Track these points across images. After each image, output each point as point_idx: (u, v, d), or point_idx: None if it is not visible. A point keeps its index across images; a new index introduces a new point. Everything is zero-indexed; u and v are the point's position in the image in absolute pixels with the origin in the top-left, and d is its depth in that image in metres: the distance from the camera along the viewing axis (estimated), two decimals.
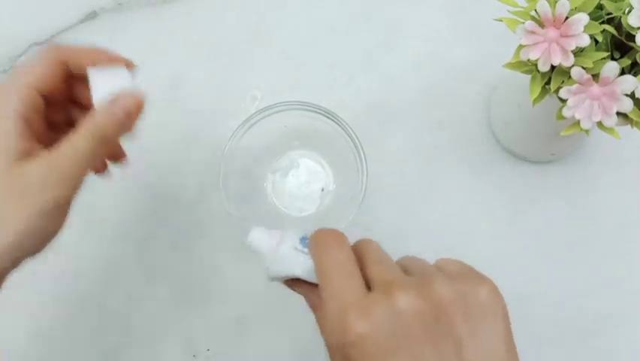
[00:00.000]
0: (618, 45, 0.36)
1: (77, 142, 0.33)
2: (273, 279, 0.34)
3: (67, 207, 0.34)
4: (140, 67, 0.55)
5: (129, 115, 0.34)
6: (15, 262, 0.33)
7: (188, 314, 0.50)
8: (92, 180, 0.53)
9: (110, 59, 0.37)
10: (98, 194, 0.52)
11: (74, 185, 0.33)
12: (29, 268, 0.49)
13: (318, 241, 0.31)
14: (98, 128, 0.33)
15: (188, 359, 0.49)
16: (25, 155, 0.32)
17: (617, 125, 0.35)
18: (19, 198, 0.31)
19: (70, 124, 0.38)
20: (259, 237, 0.34)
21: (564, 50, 0.34)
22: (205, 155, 0.52)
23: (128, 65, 0.38)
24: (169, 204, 0.52)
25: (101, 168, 0.40)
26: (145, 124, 0.54)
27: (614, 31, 0.35)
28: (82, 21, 0.55)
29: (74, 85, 0.37)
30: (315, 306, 0.31)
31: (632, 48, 0.35)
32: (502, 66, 0.38)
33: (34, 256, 0.33)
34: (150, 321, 0.50)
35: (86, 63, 0.35)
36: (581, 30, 0.33)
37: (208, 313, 0.49)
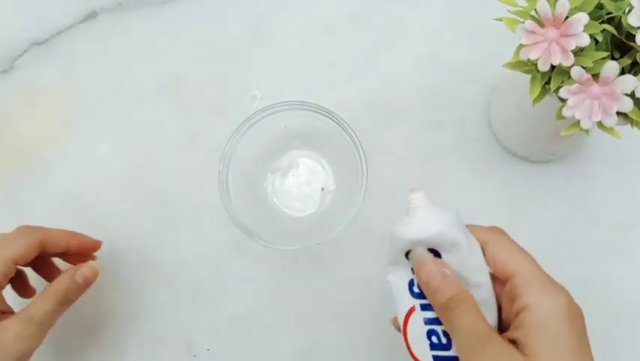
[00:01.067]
0: (618, 45, 0.36)
1: (44, 305, 0.41)
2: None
3: (33, 352, 0.42)
4: (140, 67, 0.56)
5: (87, 283, 0.43)
6: None
7: (188, 314, 0.50)
8: (91, 180, 0.53)
9: (81, 244, 0.46)
10: (97, 193, 0.52)
11: (42, 337, 0.41)
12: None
13: None
14: (62, 294, 0.42)
15: (188, 359, 0.49)
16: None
17: (617, 124, 0.35)
18: None
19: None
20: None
21: (564, 50, 0.34)
22: (205, 155, 0.52)
23: (95, 247, 0.47)
24: (169, 204, 0.52)
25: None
26: (145, 124, 0.54)
27: (614, 31, 0.35)
28: (82, 21, 0.55)
29: (42, 258, 0.46)
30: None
31: (632, 48, 0.35)
32: (502, 66, 0.38)
33: None
34: (150, 321, 0.50)
35: (60, 246, 0.44)
36: (580, 30, 0.33)
37: (208, 314, 0.49)
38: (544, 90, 0.37)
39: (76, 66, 0.55)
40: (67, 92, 0.54)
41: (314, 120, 0.47)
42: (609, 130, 0.35)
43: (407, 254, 0.35)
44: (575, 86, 0.34)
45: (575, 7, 0.34)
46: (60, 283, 0.42)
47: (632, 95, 0.34)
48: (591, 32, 0.34)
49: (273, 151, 0.51)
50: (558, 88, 0.35)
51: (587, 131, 0.35)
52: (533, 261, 0.33)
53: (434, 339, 0.34)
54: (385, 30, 0.54)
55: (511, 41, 0.37)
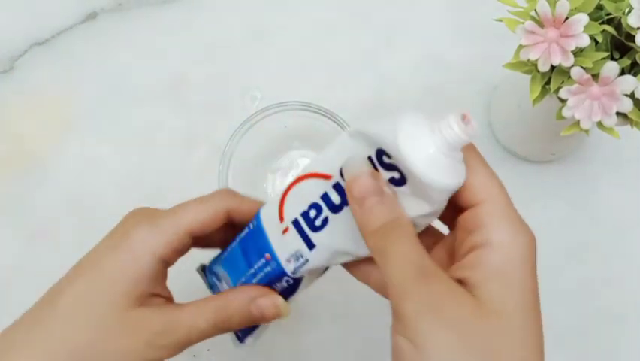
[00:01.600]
0: (618, 45, 0.36)
1: (197, 321, 0.31)
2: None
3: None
4: (140, 67, 0.55)
5: (263, 318, 0.32)
6: None
7: None
8: (91, 180, 0.53)
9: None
10: (97, 193, 0.52)
11: (174, 354, 0.31)
12: (29, 269, 0.49)
13: None
14: (225, 320, 0.31)
15: (188, 359, 0.49)
16: (147, 299, 0.31)
17: (616, 125, 0.35)
18: (120, 349, 0.30)
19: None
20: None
21: (564, 50, 0.34)
22: (205, 155, 0.52)
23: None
24: (168, 204, 0.51)
25: None
26: (145, 124, 0.54)
27: (614, 32, 0.35)
28: (82, 21, 0.55)
29: (226, 229, 0.34)
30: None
31: (631, 48, 0.35)
32: (502, 66, 0.38)
33: None
34: None
35: (251, 216, 0.33)
36: (580, 30, 0.33)
37: None
38: (544, 90, 0.37)
39: (76, 66, 0.55)
40: (67, 92, 0.54)
41: (314, 120, 0.47)
42: (609, 130, 0.35)
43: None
44: (574, 87, 0.34)
45: (575, 8, 0.34)
46: (228, 303, 0.32)
47: (631, 95, 0.34)
48: (591, 33, 0.34)
49: (273, 151, 0.51)
50: (558, 88, 0.35)
51: (586, 131, 0.35)
52: (505, 192, 0.28)
53: (312, 213, 0.29)
54: (385, 30, 0.54)
55: (511, 42, 0.37)
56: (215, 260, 0.35)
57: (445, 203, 0.26)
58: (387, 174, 0.26)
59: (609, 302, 0.48)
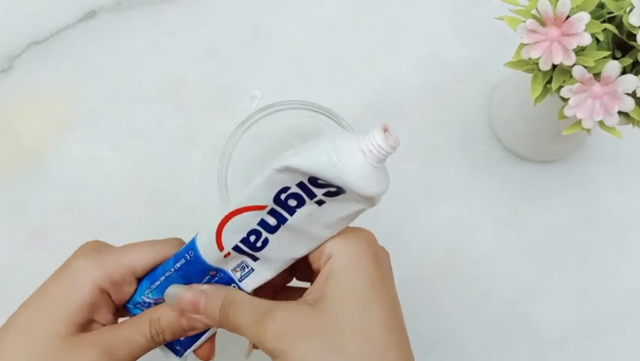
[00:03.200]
0: (619, 44, 0.36)
1: (135, 337, 0.33)
2: None
3: None
4: (140, 66, 0.55)
5: (193, 329, 0.34)
6: None
7: None
8: (90, 180, 0.53)
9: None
10: (97, 193, 0.52)
11: None
12: (28, 268, 0.49)
13: None
14: (160, 332, 0.34)
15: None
16: (88, 326, 0.33)
17: (618, 124, 0.35)
18: None
19: None
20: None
21: (565, 49, 0.34)
22: (204, 155, 0.52)
23: None
24: (168, 205, 0.51)
25: None
26: (145, 124, 0.54)
27: (616, 30, 0.35)
28: (81, 20, 0.55)
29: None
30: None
31: (633, 47, 0.35)
32: (503, 65, 0.38)
33: None
34: None
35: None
36: (582, 29, 0.33)
37: None
38: (546, 90, 0.36)
39: (75, 65, 0.54)
40: (66, 91, 0.54)
41: (314, 120, 0.47)
42: (611, 130, 0.35)
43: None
44: (576, 86, 0.34)
45: (577, 7, 0.34)
46: (163, 315, 0.34)
47: (633, 94, 0.34)
48: (592, 31, 0.34)
49: (272, 151, 0.50)
50: (559, 87, 0.35)
51: (588, 130, 0.35)
52: None
53: (252, 238, 0.32)
54: (385, 30, 0.54)
55: (512, 41, 0.37)
56: (142, 291, 0.36)
57: (376, 202, 0.30)
58: (323, 190, 0.30)
59: (609, 302, 0.48)
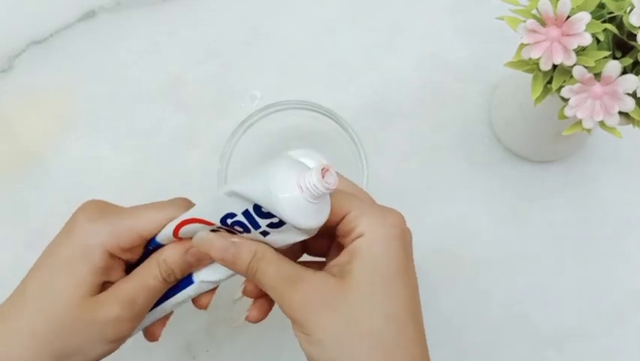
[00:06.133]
0: (620, 44, 0.36)
1: (147, 281, 0.34)
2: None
3: (130, 335, 0.35)
4: (140, 66, 0.55)
5: (199, 261, 0.35)
6: None
7: (187, 316, 0.49)
8: (90, 179, 0.53)
9: None
10: (97, 193, 0.52)
11: (141, 320, 0.35)
12: (28, 268, 0.49)
13: None
14: (170, 273, 0.34)
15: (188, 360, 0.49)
16: (102, 287, 0.34)
17: (618, 124, 0.35)
18: (92, 331, 0.33)
19: None
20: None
21: (566, 49, 0.34)
22: (204, 155, 0.52)
23: None
24: None
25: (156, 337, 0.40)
26: (145, 124, 0.54)
27: (616, 30, 0.35)
28: (80, 20, 0.55)
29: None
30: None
31: (633, 47, 0.35)
32: (504, 65, 0.37)
33: None
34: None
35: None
36: (582, 29, 0.33)
37: (207, 315, 0.49)
38: (546, 90, 0.36)
39: (75, 65, 0.54)
40: (66, 91, 0.54)
41: (314, 120, 0.47)
42: (611, 130, 0.35)
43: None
44: (576, 86, 0.34)
45: (577, 7, 0.34)
46: (169, 255, 0.34)
47: (633, 94, 0.34)
48: (593, 31, 0.34)
49: (272, 151, 0.50)
50: (560, 87, 0.35)
51: (589, 130, 0.35)
52: (366, 195, 0.34)
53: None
54: (385, 30, 0.54)
55: (512, 41, 0.37)
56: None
57: (316, 232, 0.31)
58: (266, 221, 0.31)
59: (609, 302, 0.48)
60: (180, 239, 0.35)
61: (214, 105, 0.53)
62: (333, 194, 0.31)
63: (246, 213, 0.31)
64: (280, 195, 0.29)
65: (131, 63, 0.54)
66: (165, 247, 0.35)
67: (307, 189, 0.29)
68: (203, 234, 0.33)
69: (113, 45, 0.55)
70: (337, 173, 0.31)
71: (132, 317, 0.33)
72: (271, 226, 0.31)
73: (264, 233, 0.32)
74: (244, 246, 0.32)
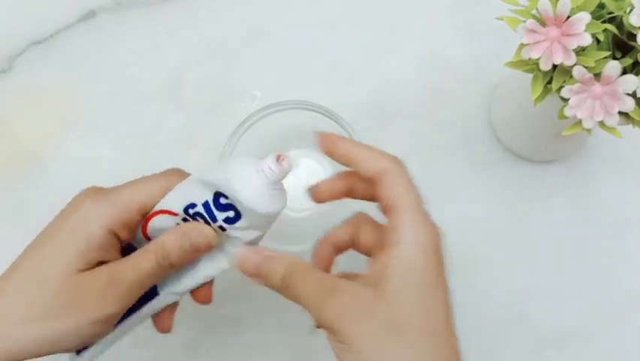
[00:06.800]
0: (620, 44, 0.36)
1: (141, 262, 0.33)
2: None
3: (116, 319, 0.34)
4: (140, 66, 0.55)
5: (197, 250, 0.35)
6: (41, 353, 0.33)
7: (186, 315, 0.49)
8: (90, 180, 0.53)
9: None
10: None
11: (129, 304, 0.34)
12: None
13: None
14: (165, 256, 0.34)
15: (187, 360, 0.49)
16: (97, 266, 0.33)
17: (618, 124, 0.35)
18: (72, 309, 0.32)
19: None
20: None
21: (566, 49, 0.34)
22: (204, 155, 0.52)
23: None
24: None
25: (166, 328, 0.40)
26: (145, 124, 0.54)
27: (616, 31, 0.35)
28: (80, 20, 0.55)
29: None
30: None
31: (633, 47, 0.35)
32: (504, 65, 0.38)
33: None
34: (148, 321, 0.49)
35: None
36: (582, 29, 0.33)
37: (207, 314, 0.49)
38: (546, 90, 0.36)
39: (75, 65, 0.54)
40: (66, 91, 0.54)
41: (314, 120, 0.47)
42: (611, 130, 0.35)
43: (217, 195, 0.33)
44: (576, 86, 0.34)
45: (577, 7, 0.34)
46: (166, 240, 0.34)
47: (633, 94, 0.34)
48: (593, 32, 0.34)
49: (272, 151, 0.50)
50: (560, 87, 0.35)
51: (589, 130, 0.35)
52: (414, 195, 0.34)
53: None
54: (385, 30, 0.54)
55: (512, 41, 0.37)
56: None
57: (269, 226, 0.34)
58: (223, 215, 0.33)
59: (609, 302, 0.48)
60: (149, 239, 0.35)
61: (214, 105, 0.53)
62: (388, 173, 0.32)
63: (205, 204, 0.33)
64: (239, 178, 0.31)
65: (131, 63, 0.54)
66: (165, 232, 0.35)
67: (263, 171, 0.31)
68: (237, 249, 0.34)
69: (113, 45, 0.55)
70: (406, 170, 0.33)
71: (117, 295, 0.32)
72: (227, 220, 0.33)
73: (222, 228, 0.33)
74: (278, 259, 0.33)
